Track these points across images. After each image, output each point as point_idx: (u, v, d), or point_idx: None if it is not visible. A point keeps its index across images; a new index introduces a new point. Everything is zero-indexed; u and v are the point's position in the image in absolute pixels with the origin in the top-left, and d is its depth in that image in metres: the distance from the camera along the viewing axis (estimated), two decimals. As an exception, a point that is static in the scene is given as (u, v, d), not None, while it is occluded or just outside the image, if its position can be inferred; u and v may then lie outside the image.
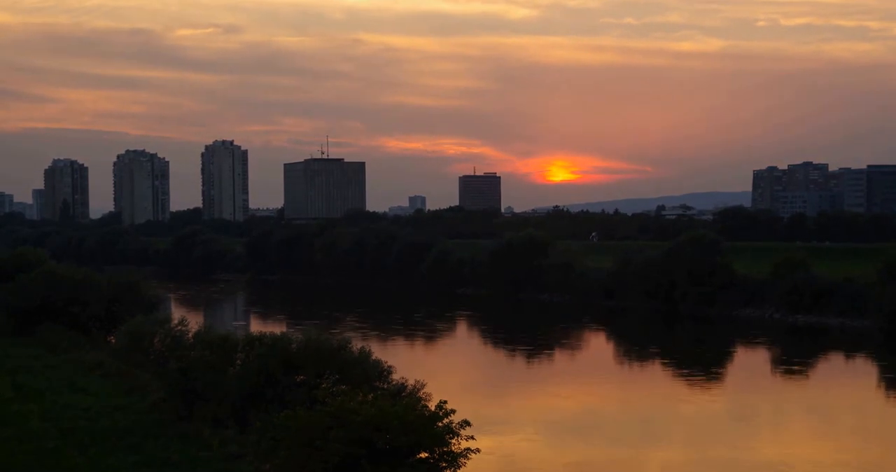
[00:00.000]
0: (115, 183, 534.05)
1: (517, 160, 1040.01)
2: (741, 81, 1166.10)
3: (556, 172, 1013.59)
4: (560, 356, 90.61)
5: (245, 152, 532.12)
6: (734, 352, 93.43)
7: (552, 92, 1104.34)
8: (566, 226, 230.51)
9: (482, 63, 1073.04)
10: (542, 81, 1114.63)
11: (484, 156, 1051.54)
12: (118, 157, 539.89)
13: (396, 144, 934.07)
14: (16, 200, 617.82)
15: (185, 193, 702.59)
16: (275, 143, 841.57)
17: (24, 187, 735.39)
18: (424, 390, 37.98)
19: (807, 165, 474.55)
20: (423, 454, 30.11)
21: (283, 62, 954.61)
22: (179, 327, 53.13)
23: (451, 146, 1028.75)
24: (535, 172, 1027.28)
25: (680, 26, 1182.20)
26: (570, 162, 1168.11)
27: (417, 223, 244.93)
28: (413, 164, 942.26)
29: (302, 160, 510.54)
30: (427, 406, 31.21)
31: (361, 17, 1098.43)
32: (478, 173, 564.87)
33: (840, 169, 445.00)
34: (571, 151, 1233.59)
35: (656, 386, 72.46)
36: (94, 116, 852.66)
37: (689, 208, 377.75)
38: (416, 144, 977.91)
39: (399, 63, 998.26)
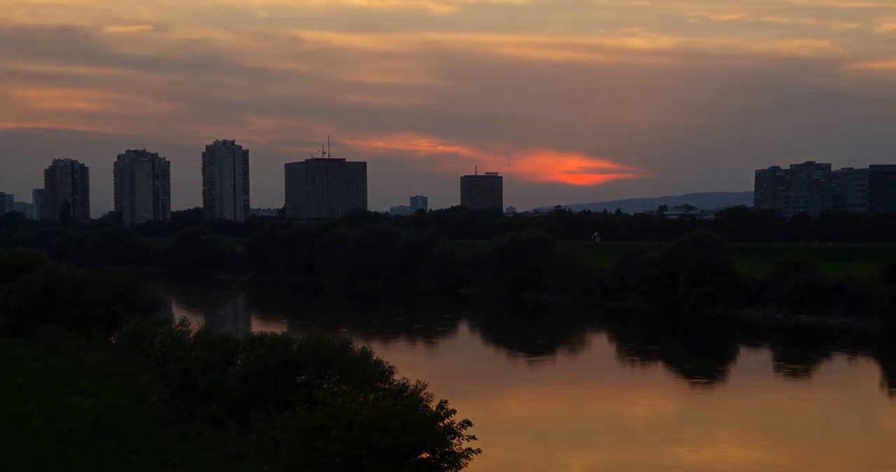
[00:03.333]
0: (115, 183, 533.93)
1: (505, 160, 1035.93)
2: (715, 78, 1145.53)
3: (558, 173, 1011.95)
4: (552, 358, 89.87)
5: (246, 152, 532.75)
6: (733, 353, 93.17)
7: (520, 90, 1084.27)
8: (568, 226, 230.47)
9: (430, 60, 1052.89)
10: (505, 80, 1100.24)
11: (469, 156, 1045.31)
12: (118, 157, 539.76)
13: (374, 143, 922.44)
14: (16, 200, 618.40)
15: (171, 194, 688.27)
16: (259, 141, 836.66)
17: (23, 188, 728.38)
18: (426, 390, 37.77)
19: (809, 164, 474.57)
20: (425, 455, 29.99)
21: (227, 60, 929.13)
22: (180, 328, 52.89)
23: (430, 145, 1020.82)
24: (532, 171, 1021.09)
25: (616, 23, 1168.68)
26: (560, 162, 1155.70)
27: (419, 223, 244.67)
28: (398, 163, 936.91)
29: (303, 160, 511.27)
30: (428, 407, 31.07)
31: (287, 16, 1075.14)
32: (479, 173, 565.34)
33: (843, 169, 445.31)
34: (563, 150, 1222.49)
35: (642, 389, 71.40)
36: (52, 115, 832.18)
37: (691, 208, 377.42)
38: (396, 144, 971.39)
39: (348, 61, 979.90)
